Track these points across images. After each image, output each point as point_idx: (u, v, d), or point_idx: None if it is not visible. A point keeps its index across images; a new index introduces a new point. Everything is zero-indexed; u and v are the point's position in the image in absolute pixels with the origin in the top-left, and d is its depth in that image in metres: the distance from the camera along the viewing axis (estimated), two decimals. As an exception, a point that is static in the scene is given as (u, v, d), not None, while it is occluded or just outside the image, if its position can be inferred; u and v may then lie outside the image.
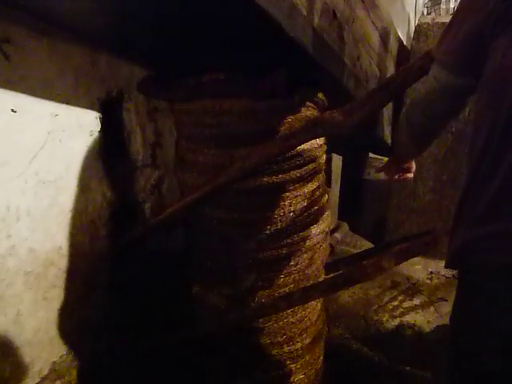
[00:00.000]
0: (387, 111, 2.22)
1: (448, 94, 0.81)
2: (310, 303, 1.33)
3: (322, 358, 1.51)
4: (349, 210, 3.06)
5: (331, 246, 2.58)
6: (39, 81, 1.08)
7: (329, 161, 2.67)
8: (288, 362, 1.35)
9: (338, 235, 2.62)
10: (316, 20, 1.13)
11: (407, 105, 0.94)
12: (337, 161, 2.70)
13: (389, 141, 2.40)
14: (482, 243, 0.71)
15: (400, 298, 2.15)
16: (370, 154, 3.56)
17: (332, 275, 1.31)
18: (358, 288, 2.32)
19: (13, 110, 1.03)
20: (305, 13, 1.02)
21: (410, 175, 1.27)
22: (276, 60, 1.07)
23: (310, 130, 0.97)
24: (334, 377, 1.62)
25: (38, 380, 1.24)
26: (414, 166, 1.26)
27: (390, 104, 2.29)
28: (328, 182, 2.23)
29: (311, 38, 1.04)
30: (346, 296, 2.24)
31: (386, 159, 1.33)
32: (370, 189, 3.32)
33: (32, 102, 1.07)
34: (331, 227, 2.81)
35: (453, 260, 0.79)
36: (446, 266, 0.81)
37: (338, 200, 2.96)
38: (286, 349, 1.33)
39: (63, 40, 1.10)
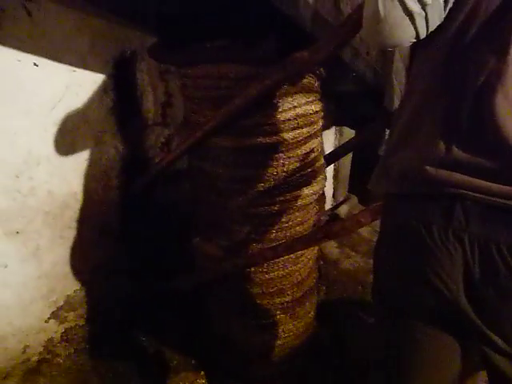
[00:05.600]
0: (398, 84, 2.22)
1: None
2: (300, 259, 1.43)
3: (312, 313, 1.61)
4: (360, 184, 3.10)
5: (339, 216, 2.66)
6: (58, 37, 1.18)
7: (340, 134, 2.71)
8: (278, 312, 1.45)
9: (345, 207, 2.69)
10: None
11: None
12: (349, 134, 2.73)
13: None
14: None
15: (399, 267, 2.22)
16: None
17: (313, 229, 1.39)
18: (360, 257, 2.40)
19: (35, 64, 1.14)
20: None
21: None
22: (271, 29, 1.12)
23: (281, 69, 1.04)
24: (326, 336, 1.73)
25: (54, 309, 1.40)
26: None
27: (403, 78, 2.28)
28: (337, 155, 2.27)
29: (305, 10, 1.08)
30: (347, 263, 2.33)
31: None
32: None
33: (52, 58, 1.18)
34: (339, 198, 2.87)
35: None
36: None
37: (348, 173, 3.01)
38: (276, 300, 1.44)
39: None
